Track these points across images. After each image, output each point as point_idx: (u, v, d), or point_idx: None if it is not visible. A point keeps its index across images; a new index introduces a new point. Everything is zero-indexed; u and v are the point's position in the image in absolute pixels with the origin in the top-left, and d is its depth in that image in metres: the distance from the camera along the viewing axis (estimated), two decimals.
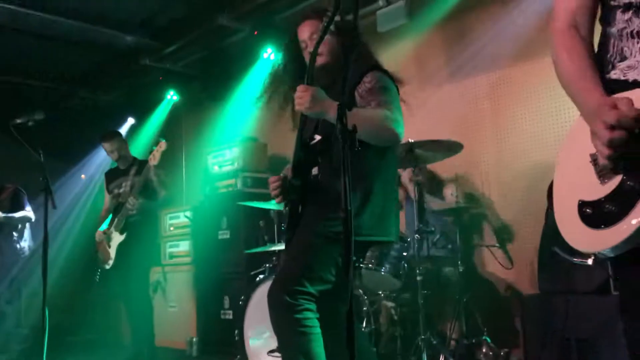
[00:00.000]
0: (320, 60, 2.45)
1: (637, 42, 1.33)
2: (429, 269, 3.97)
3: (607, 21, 1.40)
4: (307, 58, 2.53)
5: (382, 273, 3.80)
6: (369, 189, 2.38)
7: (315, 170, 2.48)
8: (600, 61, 1.39)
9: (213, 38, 6.01)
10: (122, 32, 5.96)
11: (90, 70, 7.02)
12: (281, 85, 2.69)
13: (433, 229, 3.93)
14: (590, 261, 1.39)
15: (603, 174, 1.31)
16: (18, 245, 5.61)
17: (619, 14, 1.37)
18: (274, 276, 4.09)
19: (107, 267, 4.76)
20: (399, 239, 3.87)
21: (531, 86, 4.39)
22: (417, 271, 3.70)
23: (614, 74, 1.35)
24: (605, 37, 1.40)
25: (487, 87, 4.69)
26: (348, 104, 2.29)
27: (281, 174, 2.59)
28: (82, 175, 7.42)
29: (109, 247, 4.73)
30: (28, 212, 5.68)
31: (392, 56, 4.92)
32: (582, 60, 1.40)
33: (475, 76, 4.74)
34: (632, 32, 1.34)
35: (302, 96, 2.26)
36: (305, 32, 2.57)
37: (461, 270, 3.92)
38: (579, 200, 1.36)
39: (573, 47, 1.43)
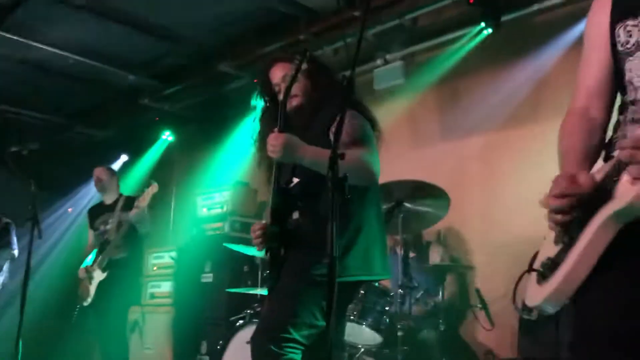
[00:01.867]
0: (294, 102, 2.46)
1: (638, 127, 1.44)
2: (410, 325, 3.95)
3: (620, 110, 1.53)
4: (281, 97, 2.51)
5: (364, 326, 3.78)
6: (351, 230, 2.35)
7: (295, 215, 2.45)
8: (610, 140, 1.52)
9: (213, 83, 6.14)
10: (125, 71, 6.08)
11: (88, 105, 7.12)
12: (259, 130, 2.67)
13: (417, 284, 3.94)
14: (534, 316, 1.47)
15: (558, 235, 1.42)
16: None
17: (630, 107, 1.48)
18: (254, 322, 4.08)
19: (85, 304, 4.70)
20: (383, 293, 3.86)
21: (522, 151, 4.49)
22: (398, 327, 3.69)
23: (616, 153, 1.45)
24: (617, 120, 1.52)
25: (477, 150, 4.79)
26: (322, 144, 2.31)
27: (263, 220, 2.56)
28: (69, 209, 7.40)
29: (90, 284, 4.67)
30: (13, 250, 5.64)
31: (387, 114, 5.04)
32: (576, 141, 1.53)
33: (467, 138, 4.85)
34: (633, 118, 1.45)
35: (275, 144, 2.25)
36: (278, 75, 2.56)
37: (442, 329, 3.91)
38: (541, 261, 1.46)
39: (573, 129, 1.56)
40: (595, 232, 1.29)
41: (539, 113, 4.39)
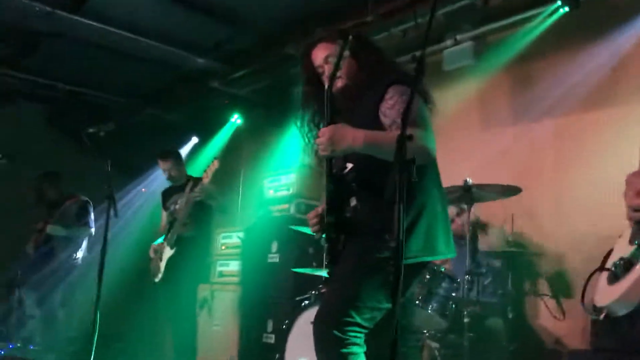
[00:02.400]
0: (338, 84, 2.39)
1: None
2: (477, 312, 3.89)
3: None
4: (325, 83, 2.43)
5: (429, 311, 3.75)
6: (413, 211, 2.28)
7: (353, 201, 2.40)
8: None
9: (280, 67, 6.16)
10: (195, 54, 6.20)
11: (160, 88, 7.30)
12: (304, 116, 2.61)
13: (484, 271, 3.87)
14: (602, 317, 1.40)
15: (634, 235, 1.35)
16: (74, 254, 5.82)
17: None
18: (319, 303, 4.12)
19: (156, 280, 4.87)
20: (449, 279, 3.82)
21: (597, 137, 4.31)
22: (465, 313, 3.64)
23: None
24: None
25: (550, 134, 4.63)
26: (372, 126, 2.26)
27: (320, 204, 2.51)
28: (143, 189, 7.63)
29: (160, 260, 4.84)
30: (90, 228, 5.91)
31: (456, 95, 4.96)
32: None
33: (539, 122, 4.69)
34: None
35: (322, 142, 2.21)
36: (319, 57, 2.49)
37: (510, 317, 3.83)
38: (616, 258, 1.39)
39: None
40: None
41: (617, 97, 4.19)
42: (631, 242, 1.37)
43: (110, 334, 6.26)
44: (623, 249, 1.40)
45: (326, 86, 2.33)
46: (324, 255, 2.46)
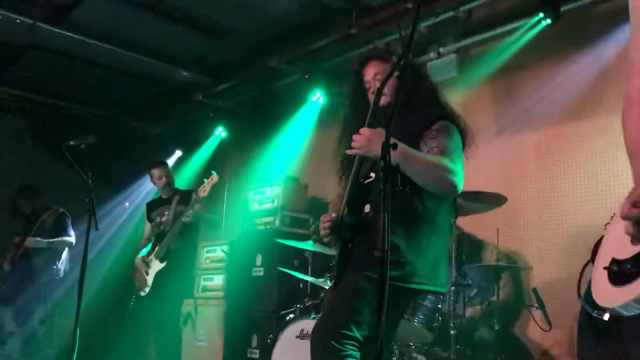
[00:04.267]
0: (383, 100, 2.45)
1: None
2: (464, 324, 3.87)
3: None
4: (370, 99, 2.56)
5: (415, 324, 3.72)
6: (425, 235, 2.36)
7: (367, 208, 2.46)
8: None
9: (264, 79, 6.17)
10: (179, 67, 6.17)
11: (144, 101, 7.26)
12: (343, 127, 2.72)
13: (470, 282, 3.85)
14: (606, 317, 1.38)
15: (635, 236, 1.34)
16: (55, 267, 5.72)
17: None
18: (304, 317, 4.07)
19: (143, 294, 4.79)
20: (435, 291, 3.79)
21: (579, 148, 4.33)
22: (451, 325, 3.61)
23: None
24: None
25: (533, 146, 4.64)
26: (411, 146, 2.32)
27: (331, 214, 2.55)
28: (126, 203, 7.57)
29: (147, 274, 4.77)
30: (70, 237, 5.81)
31: None
32: None
33: (522, 134, 4.71)
34: None
35: (360, 139, 2.28)
36: (370, 73, 2.61)
37: (497, 328, 3.81)
38: (612, 258, 1.37)
39: (637, 120, 1.47)
40: None
41: (600, 106, 4.21)
42: (633, 242, 1.35)
43: (92, 350, 6.13)
44: (624, 249, 1.37)
45: (372, 101, 2.42)
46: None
